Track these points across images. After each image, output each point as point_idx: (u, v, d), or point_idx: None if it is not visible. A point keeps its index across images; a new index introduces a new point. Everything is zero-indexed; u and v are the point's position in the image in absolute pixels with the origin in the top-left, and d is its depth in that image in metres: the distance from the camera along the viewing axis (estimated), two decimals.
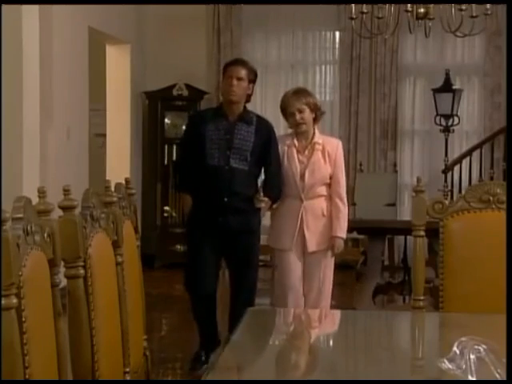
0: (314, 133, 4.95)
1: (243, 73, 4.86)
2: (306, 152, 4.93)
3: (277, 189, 4.95)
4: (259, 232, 5.04)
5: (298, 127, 4.91)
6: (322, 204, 4.93)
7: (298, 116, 4.87)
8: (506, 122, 8.29)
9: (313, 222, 4.91)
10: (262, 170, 5.02)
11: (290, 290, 4.89)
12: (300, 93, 4.98)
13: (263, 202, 4.89)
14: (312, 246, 4.91)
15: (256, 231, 5.00)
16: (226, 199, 4.81)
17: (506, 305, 2.88)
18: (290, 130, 5.09)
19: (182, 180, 5.19)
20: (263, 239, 5.09)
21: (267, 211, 5.09)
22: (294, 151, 4.92)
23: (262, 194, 4.90)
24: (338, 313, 4.20)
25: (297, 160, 4.91)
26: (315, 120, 4.96)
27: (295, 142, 4.93)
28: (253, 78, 4.92)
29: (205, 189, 4.85)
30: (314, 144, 4.92)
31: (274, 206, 5.01)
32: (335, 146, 4.99)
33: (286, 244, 4.95)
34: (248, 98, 4.95)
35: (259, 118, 5.07)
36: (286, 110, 4.95)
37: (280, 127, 6.28)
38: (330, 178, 4.94)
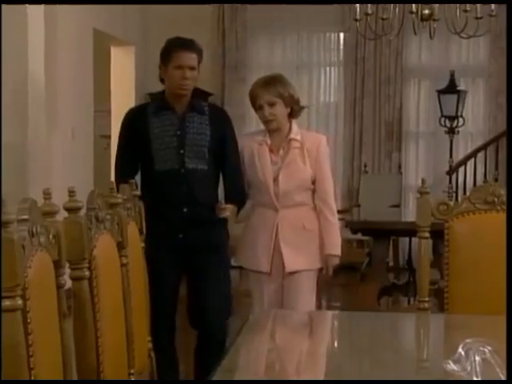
0: (290, 128, 4.08)
1: (195, 59, 3.93)
2: (281, 151, 4.06)
3: (238, 190, 4.07)
4: (227, 245, 4.14)
5: (267, 124, 4.05)
6: (302, 214, 4.07)
7: (267, 111, 4.01)
8: (506, 123, 8.29)
9: (291, 235, 4.04)
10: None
11: None
12: (272, 82, 4.06)
13: (226, 210, 3.94)
14: (291, 264, 4.03)
15: (224, 245, 4.08)
16: (185, 210, 3.90)
17: (507, 305, 2.88)
18: (263, 126, 4.20)
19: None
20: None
21: (235, 220, 4.18)
22: (267, 150, 4.06)
23: (223, 200, 4.00)
24: (342, 314, 4.20)
25: (269, 160, 4.05)
26: (291, 115, 4.09)
27: (267, 139, 4.07)
28: (201, 59, 3.99)
29: (158, 201, 3.84)
30: (291, 141, 4.05)
31: (242, 211, 4.14)
32: (316, 142, 4.09)
33: (260, 264, 4.06)
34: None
35: (212, 105, 4.21)
36: (254, 103, 4.07)
37: None
38: (313, 182, 4.07)
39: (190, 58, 3.90)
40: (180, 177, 3.91)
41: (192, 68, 3.90)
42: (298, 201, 4.06)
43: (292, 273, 4.05)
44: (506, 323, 2.59)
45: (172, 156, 3.91)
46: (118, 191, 3.40)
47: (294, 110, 4.09)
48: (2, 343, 1.87)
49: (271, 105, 4.01)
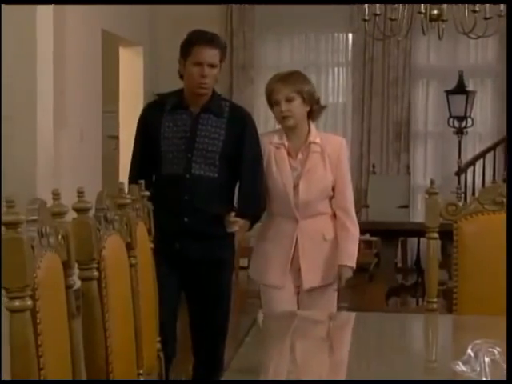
0: (309, 130, 3.78)
1: (217, 56, 3.60)
2: (300, 155, 3.75)
3: (253, 203, 3.71)
4: (232, 264, 3.85)
5: (282, 121, 3.74)
6: (323, 224, 3.78)
7: (283, 106, 3.70)
8: (506, 123, 8.29)
9: (311, 248, 3.75)
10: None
11: None
12: (290, 77, 3.78)
13: (236, 224, 3.62)
14: (309, 281, 3.75)
15: (227, 263, 3.76)
16: (185, 219, 3.59)
17: (507, 305, 2.87)
18: (278, 127, 3.89)
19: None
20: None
21: (243, 236, 3.92)
22: (285, 154, 3.74)
23: (233, 213, 3.64)
24: (350, 315, 4.20)
25: (288, 166, 3.74)
26: (311, 115, 3.80)
27: (285, 141, 3.75)
28: (224, 56, 3.66)
29: (160, 206, 3.38)
30: (310, 144, 3.74)
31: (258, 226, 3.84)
32: (337, 146, 3.78)
33: (275, 279, 3.77)
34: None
35: (234, 106, 3.80)
36: (270, 99, 3.78)
37: None
38: (333, 188, 3.79)
39: (211, 55, 3.58)
40: (184, 183, 3.60)
41: (212, 65, 3.58)
42: (318, 210, 3.78)
43: (310, 289, 3.79)
44: (506, 323, 2.58)
45: (179, 160, 3.62)
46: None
47: (314, 110, 3.80)
48: (2, 343, 1.88)
49: (289, 100, 3.70)
